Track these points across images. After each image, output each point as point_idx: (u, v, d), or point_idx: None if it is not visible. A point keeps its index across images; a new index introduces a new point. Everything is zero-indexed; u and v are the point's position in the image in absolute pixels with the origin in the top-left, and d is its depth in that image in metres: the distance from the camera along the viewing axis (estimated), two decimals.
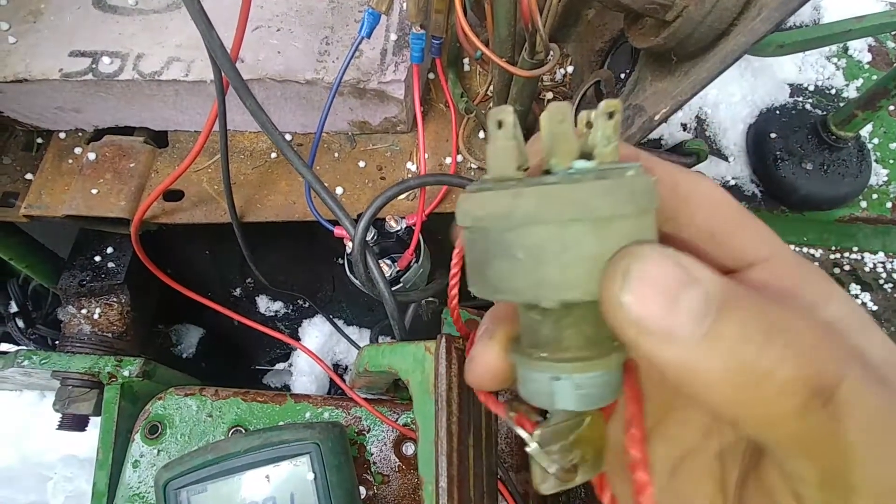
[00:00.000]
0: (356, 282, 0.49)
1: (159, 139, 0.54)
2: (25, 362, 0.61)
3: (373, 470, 0.57)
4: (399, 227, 0.48)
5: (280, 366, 0.95)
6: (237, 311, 0.67)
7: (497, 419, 0.37)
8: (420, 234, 0.48)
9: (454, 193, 0.49)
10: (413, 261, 0.48)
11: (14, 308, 0.85)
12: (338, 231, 0.47)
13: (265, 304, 0.78)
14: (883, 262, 0.70)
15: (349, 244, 0.49)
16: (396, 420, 0.57)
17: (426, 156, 0.50)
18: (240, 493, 0.47)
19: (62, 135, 0.54)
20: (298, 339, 0.82)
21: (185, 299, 0.65)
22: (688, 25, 0.33)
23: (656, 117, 0.40)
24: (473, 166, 0.51)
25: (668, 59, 0.39)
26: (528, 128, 0.51)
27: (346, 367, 0.81)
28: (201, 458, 0.48)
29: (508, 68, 0.37)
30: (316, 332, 0.80)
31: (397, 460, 0.57)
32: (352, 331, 0.80)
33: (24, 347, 0.82)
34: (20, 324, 0.85)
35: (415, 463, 0.57)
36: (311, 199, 0.48)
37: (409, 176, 0.52)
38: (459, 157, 0.50)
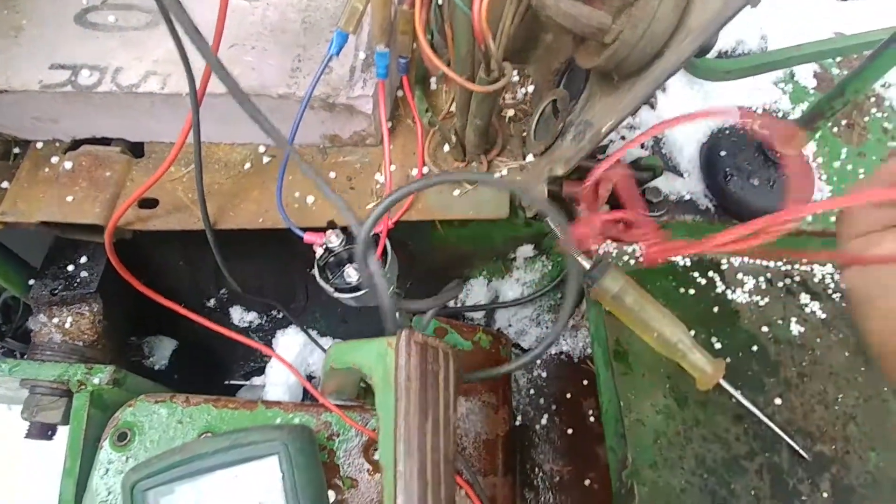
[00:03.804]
0: (326, 288, 0.51)
1: (136, 150, 0.56)
2: None
3: (342, 474, 0.58)
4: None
5: (256, 380, 0.95)
6: (211, 321, 0.68)
7: (454, 411, 0.39)
8: (387, 240, 0.50)
9: (419, 203, 0.52)
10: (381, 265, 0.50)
11: None
12: (307, 237, 0.49)
13: (239, 315, 0.79)
14: (831, 274, 0.74)
15: (318, 250, 0.51)
16: (366, 425, 0.59)
17: (392, 168, 0.52)
18: (208, 493, 0.48)
19: (39, 144, 0.56)
20: (273, 347, 0.83)
21: (158, 310, 0.66)
22: (624, 48, 0.37)
23: (603, 129, 0.43)
24: None
25: (612, 78, 0.42)
26: (491, 141, 0.54)
27: (318, 378, 0.82)
28: (169, 459, 0.49)
29: (466, 84, 0.40)
30: (289, 343, 0.81)
31: (366, 464, 0.58)
32: (325, 342, 0.81)
33: None
34: None
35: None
36: (282, 206, 0.50)
37: (378, 186, 0.54)
38: (425, 169, 0.53)
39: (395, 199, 0.45)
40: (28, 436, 0.63)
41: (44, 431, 0.63)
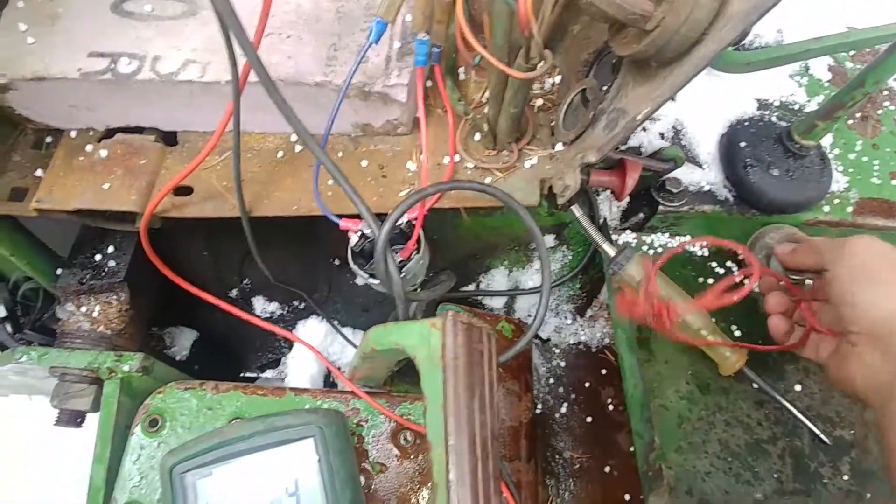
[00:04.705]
0: (359, 273, 0.52)
1: (169, 139, 0.57)
2: (23, 358, 0.62)
3: (371, 459, 0.59)
4: (401, 221, 0.51)
5: (269, 373, 0.96)
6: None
7: (497, 390, 0.40)
8: (421, 228, 0.51)
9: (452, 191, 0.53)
10: (414, 252, 0.51)
11: (3, 313, 0.85)
12: (343, 223, 0.49)
13: (261, 306, 0.80)
14: None
15: (353, 237, 0.51)
16: (394, 411, 0.59)
17: (422, 157, 0.53)
18: (245, 476, 0.49)
19: (73, 133, 0.56)
20: (291, 342, 0.84)
21: (181, 300, 0.67)
22: (665, 34, 0.38)
23: (638, 117, 0.44)
24: (469, 166, 0.54)
25: (647, 66, 0.43)
26: (521, 130, 0.55)
27: (340, 367, 0.82)
28: (207, 442, 0.49)
29: (507, 70, 0.41)
30: (310, 334, 0.81)
31: (395, 450, 0.59)
32: (346, 332, 0.82)
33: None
34: (9, 329, 0.85)
35: (412, 451, 0.58)
36: (318, 193, 0.51)
37: (409, 175, 0.55)
38: (457, 158, 0.54)
39: (410, 204, 0.46)
40: (58, 423, 0.64)
41: (73, 419, 0.64)
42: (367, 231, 0.49)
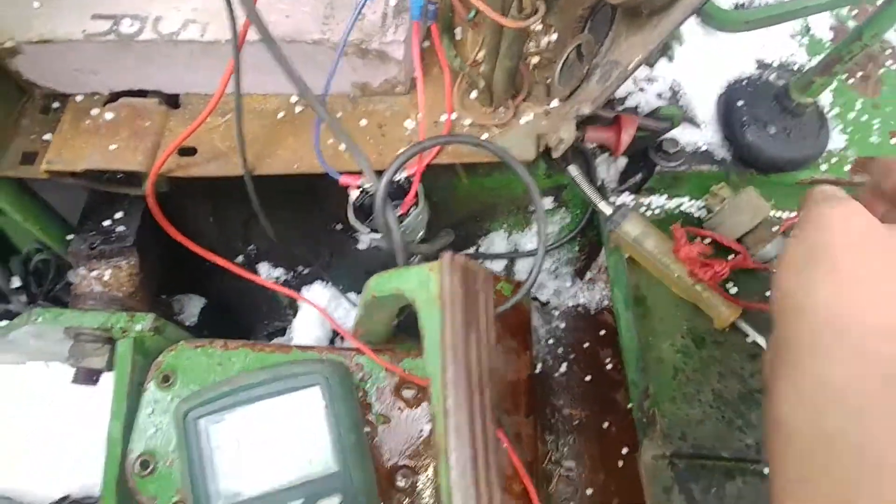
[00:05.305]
0: (360, 228, 0.53)
1: (171, 101, 0.58)
2: (39, 319, 0.64)
3: (374, 412, 0.61)
4: (400, 177, 0.52)
5: (275, 342, 0.98)
6: (239, 278, 0.71)
7: (492, 330, 0.42)
8: (420, 186, 0.52)
9: (449, 146, 0.54)
10: (413, 206, 0.52)
11: (17, 283, 0.88)
12: (343, 179, 0.51)
13: (266, 271, 0.82)
14: None
15: (353, 193, 0.53)
16: (397, 366, 0.61)
17: (420, 115, 0.54)
18: (255, 422, 0.51)
19: (79, 98, 0.58)
20: (297, 309, 0.86)
21: (189, 266, 0.69)
22: None
23: (630, 66, 0.45)
24: (466, 123, 0.55)
25: (639, 14, 0.44)
26: (517, 87, 0.56)
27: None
28: (218, 390, 0.52)
29: (499, 19, 0.41)
30: (314, 299, 0.83)
31: (398, 402, 0.61)
32: (350, 297, 0.83)
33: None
34: (23, 299, 0.87)
35: (415, 403, 0.61)
36: (319, 150, 0.52)
37: (408, 133, 0.56)
38: (454, 115, 0.55)
39: (409, 156, 0.47)
40: (75, 381, 0.66)
41: (89, 376, 0.66)
42: (367, 185, 0.51)
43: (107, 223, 0.68)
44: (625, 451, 0.74)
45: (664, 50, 0.71)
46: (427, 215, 0.56)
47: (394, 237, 0.45)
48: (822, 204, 0.34)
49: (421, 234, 0.58)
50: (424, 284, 0.40)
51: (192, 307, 0.88)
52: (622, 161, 0.72)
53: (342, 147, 0.55)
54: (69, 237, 0.70)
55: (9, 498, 0.84)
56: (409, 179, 0.53)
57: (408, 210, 0.52)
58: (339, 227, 0.75)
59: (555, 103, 0.56)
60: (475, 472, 0.34)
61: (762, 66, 0.77)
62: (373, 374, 0.62)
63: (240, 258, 0.80)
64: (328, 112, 0.44)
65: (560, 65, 0.54)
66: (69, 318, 0.65)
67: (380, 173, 0.48)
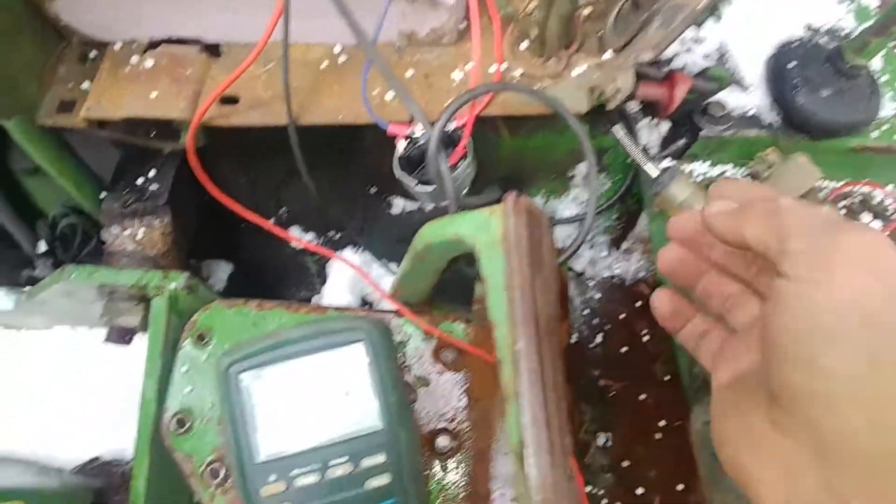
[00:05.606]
0: (407, 180, 0.52)
1: (212, 51, 0.56)
2: (73, 276, 0.63)
3: (413, 374, 0.60)
4: (449, 128, 0.51)
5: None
6: (271, 241, 0.69)
7: (555, 278, 0.40)
8: (470, 134, 0.50)
9: (500, 97, 0.52)
10: (462, 158, 0.50)
11: (42, 248, 0.87)
12: (391, 128, 0.49)
13: (297, 235, 0.81)
14: (893, 194, 0.73)
15: (400, 143, 0.51)
16: (435, 328, 0.60)
17: (469, 66, 0.52)
18: (297, 377, 0.50)
19: (118, 46, 0.56)
20: (324, 278, 0.85)
21: (218, 230, 0.67)
22: None
23: (699, 7, 0.43)
24: (517, 73, 0.54)
25: None
26: (570, 37, 0.54)
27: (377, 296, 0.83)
28: (260, 344, 0.50)
29: None
30: (345, 265, 0.82)
31: (437, 364, 0.60)
32: (382, 264, 0.82)
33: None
34: (49, 264, 0.87)
35: (453, 367, 0.59)
36: (367, 99, 0.50)
37: (455, 84, 0.54)
38: (504, 66, 0.53)
39: (463, 101, 0.46)
40: (107, 339, 0.66)
41: (123, 335, 0.66)
42: (417, 134, 0.49)
43: (140, 181, 0.67)
44: (662, 423, 0.73)
45: (712, 9, 0.69)
46: (474, 171, 0.54)
47: (447, 185, 0.44)
48: (820, 216, 0.25)
49: (466, 190, 0.57)
50: (485, 227, 0.39)
51: (220, 273, 0.87)
52: (664, 126, 0.70)
53: (388, 97, 0.53)
54: (101, 196, 0.69)
55: (36, 462, 0.84)
56: (457, 131, 0.51)
57: (457, 162, 0.50)
58: (373, 190, 0.74)
59: (608, 55, 0.54)
60: (546, 415, 0.32)
61: (810, 30, 0.75)
62: (412, 337, 0.61)
63: (272, 221, 0.79)
64: (378, 54, 0.42)
65: (614, 14, 0.52)
66: (103, 275, 0.64)
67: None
